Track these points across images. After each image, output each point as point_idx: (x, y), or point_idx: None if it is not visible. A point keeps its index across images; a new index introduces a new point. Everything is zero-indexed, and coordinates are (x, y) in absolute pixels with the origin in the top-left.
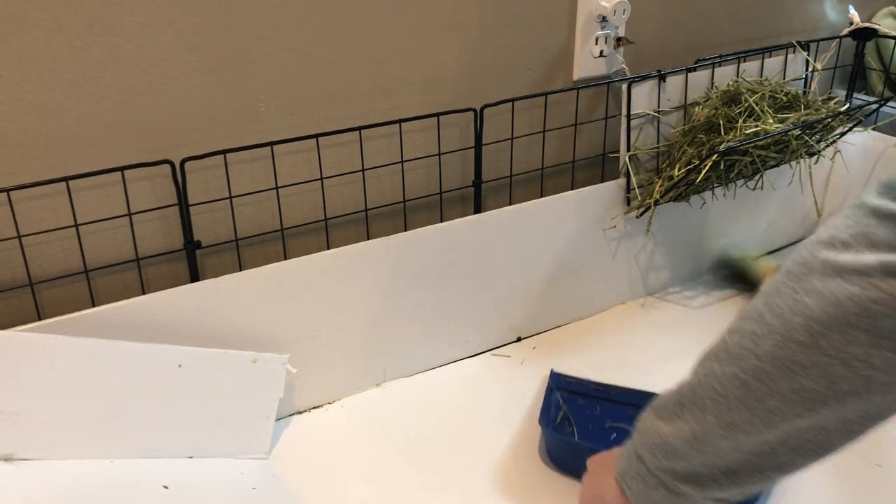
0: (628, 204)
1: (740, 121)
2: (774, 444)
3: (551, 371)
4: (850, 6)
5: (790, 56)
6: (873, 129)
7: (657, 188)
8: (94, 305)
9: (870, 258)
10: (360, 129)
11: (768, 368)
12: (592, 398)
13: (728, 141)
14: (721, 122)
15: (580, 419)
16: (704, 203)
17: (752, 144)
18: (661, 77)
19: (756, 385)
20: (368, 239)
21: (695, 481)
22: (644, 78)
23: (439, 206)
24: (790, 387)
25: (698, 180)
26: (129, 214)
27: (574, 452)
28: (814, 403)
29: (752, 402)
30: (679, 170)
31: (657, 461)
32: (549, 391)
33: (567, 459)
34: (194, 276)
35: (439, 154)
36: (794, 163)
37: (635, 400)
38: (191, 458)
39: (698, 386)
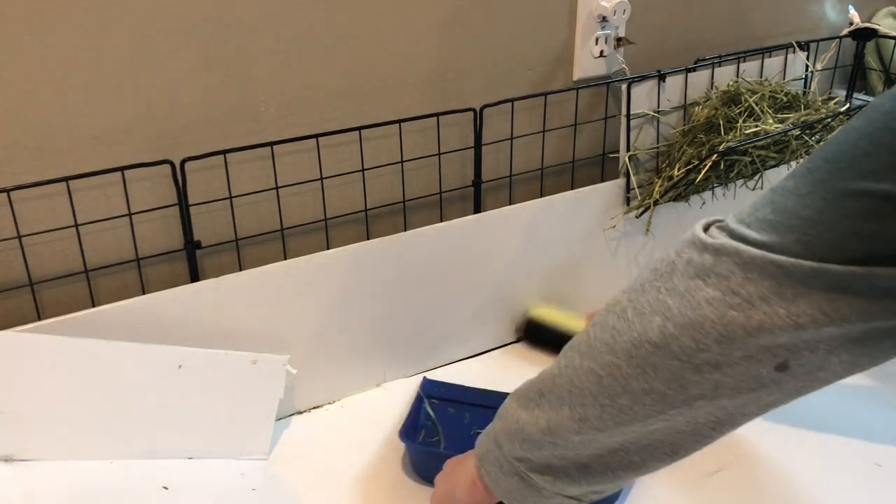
0: (628, 204)
1: (740, 121)
2: (626, 443)
3: (423, 378)
4: (850, 6)
5: (790, 56)
6: None
7: (657, 188)
8: (94, 305)
9: (729, 265)
10: (360, 129)
11: (622, 365)
12: (464, 404)
13: (728, 141)
14: (721, 123)
15: (448, 428)
16: (704, 203)
17: (752, 144)
18: (661, 77)
19: (609, 381)
20: (368, 239)
21: (547, 472)
22: (644, 78)
23: (439, 206)
24: (641, 387)
25: (698, 180)
26: (130, 214)
27: (439, 464)
28: (663, 406)
29: (604, 398)
30: (679, 170)
31: (513, 449)
32: (419, 400)
33: (433, 472)
34: (194, 276)
35: (439, 154)
36: (794, 163)
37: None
38: (191, 458)
39: (558, 376)
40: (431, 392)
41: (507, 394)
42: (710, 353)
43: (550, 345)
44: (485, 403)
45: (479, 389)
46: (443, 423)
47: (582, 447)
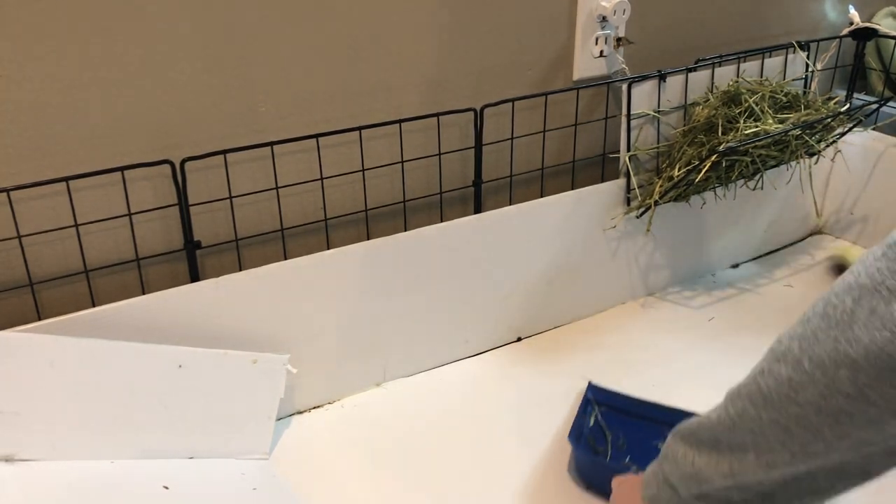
0: (628, 204)
1: (740, 121)
2: (815, 472)
3: (589, 383)
4: (850, 6)
5: (790, 56)
6: (873, 129)
7: (657, 188)
8: (94, 305)
9: None
10: (360, 129)
11: (811, 417)
12: (631, 415)
13: (728, 141)
14: (721, 123)
15: (616, 438)
16: (704, 203)
17: (752, 144)
18: (661, 77)
19: (798, 431)
20: (368, 239)
21: None
22: (644, 78)
23: (439, 206)
24: (835, 433)
25: (698, 180)
26: (129, 214)
27: (604, 473)
28: (860, 445)
29: (794, 446)
30: (679, 170)
31: (690, 490)
32: (585, 403)
33: (593, 478)
34: (194, 276)
35: (439, 154)
36: (794, 163)
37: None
38: (191, 458)
39: (733, 427)
40: (599, 399)
41: (674, 409)
42: None
43: None
44: (651, 416)
45: (645, 402)
46: (612, 433)
47: (767, 483)
